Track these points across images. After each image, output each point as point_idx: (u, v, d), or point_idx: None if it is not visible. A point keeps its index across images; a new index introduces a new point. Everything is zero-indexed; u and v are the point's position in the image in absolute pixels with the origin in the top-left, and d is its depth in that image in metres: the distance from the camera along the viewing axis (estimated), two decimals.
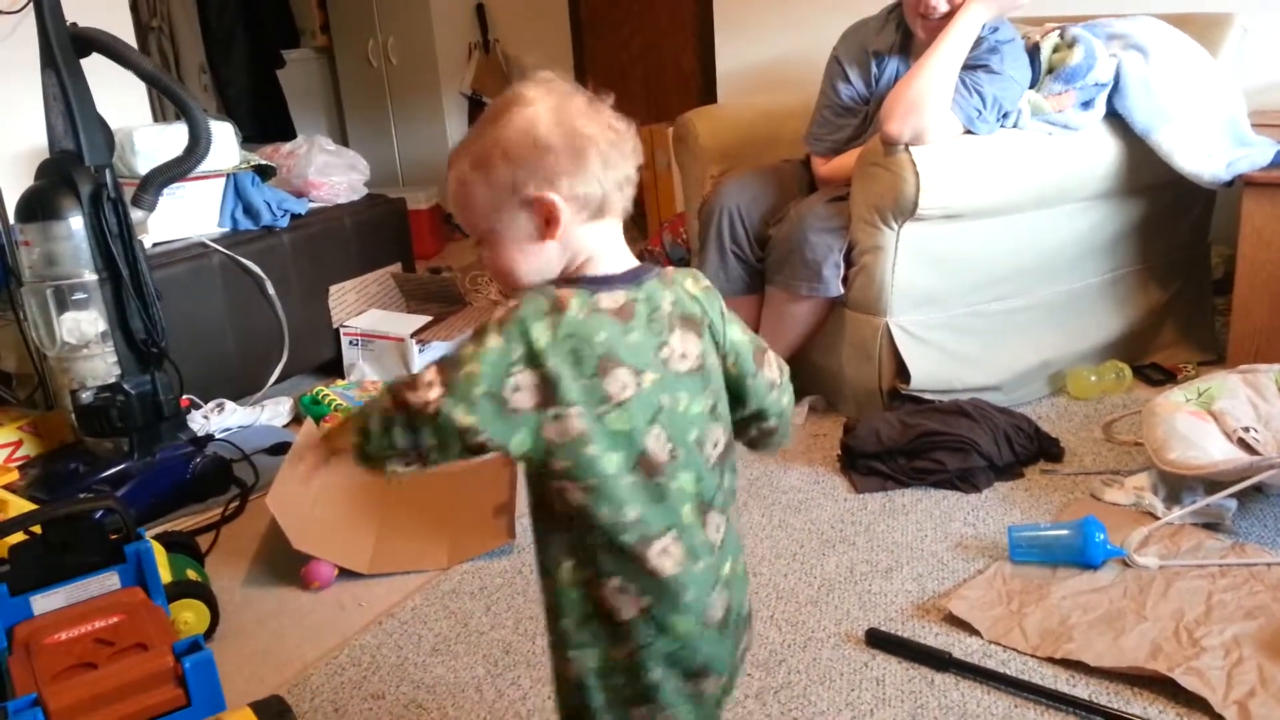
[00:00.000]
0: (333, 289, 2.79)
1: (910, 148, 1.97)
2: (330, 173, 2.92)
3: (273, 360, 2.63)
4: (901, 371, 2.11)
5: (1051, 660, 1.41)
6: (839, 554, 1.74)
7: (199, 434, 2.25)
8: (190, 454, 2.13)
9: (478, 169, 0.85)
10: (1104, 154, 2.17)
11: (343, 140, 5.01)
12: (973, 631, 1.49)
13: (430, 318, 2.83)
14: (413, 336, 2.72)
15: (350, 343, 2.79)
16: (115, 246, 2.02)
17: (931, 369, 2.11)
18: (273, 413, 2.53)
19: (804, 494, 1.96)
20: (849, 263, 2.12)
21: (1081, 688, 1.35)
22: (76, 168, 2.00)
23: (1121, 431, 2.07)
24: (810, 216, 2.12)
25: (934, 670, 1.41)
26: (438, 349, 2.80)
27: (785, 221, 2.18)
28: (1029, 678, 1.37)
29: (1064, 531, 1.62)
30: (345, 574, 1.79)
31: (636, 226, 4.37)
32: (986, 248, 2.13)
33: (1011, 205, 2.11)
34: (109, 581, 1.37)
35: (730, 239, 2.25)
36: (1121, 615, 1.47)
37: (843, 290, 2.13)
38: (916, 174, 1.96)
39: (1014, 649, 1.44)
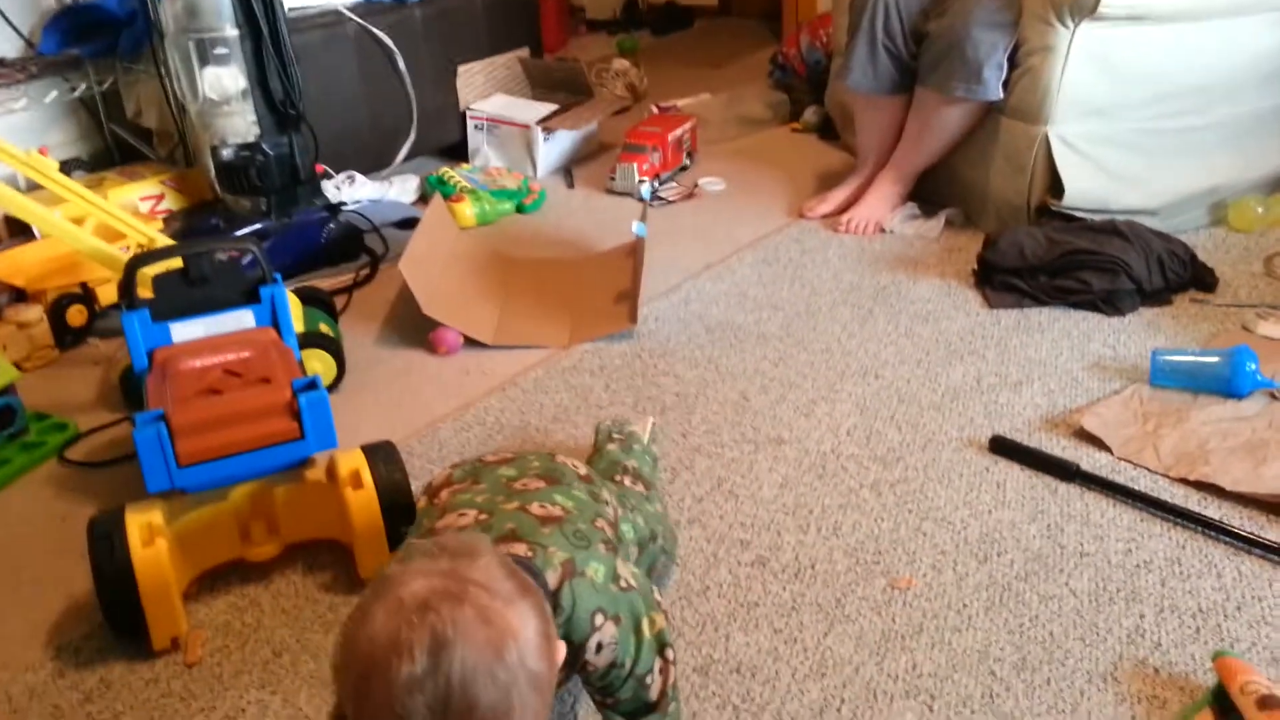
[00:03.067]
0: (461, 69, 2.75)
1: None
2: None
3: (401, 137, 2.63)
4: (1054, 186, 1.99)
5: (1184, 482, 1.37)
6: (966, 365, 1.70)
7: (332, 202, 2.29)
8: (324, 219, 2.18)
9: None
10: None
11: None
12: (1103, 448, 1.45)
13: (556, 106, 2.78)
14: (539, 124, 2.68)
15: (476, 126, 2.76)
16: (255, 2, 2.01)
17: (1087, 186, 1.98)
18: (400, 189, 2.55)
19: (934, 305, 1.91)
20: (1013, 64, 1.97)
21: (1213, 510, 1.32)
22: None
23: None
24: (977, 10, 1.96)
25: (1059, 480, 1.39)
26: (563, 139, 2.76)
27: (948, 14, 2.02)
28: (1159, 496, 1.34)
29: (1213, 359, 1.55)
30: (469, 344, 1.83)
31: (769, 29, 4.16)
32: (1170, 56, 1.95)
33: (1204, 9, 1.92)
34: (244, 319, 1.41)
35: (884, 31, 2.10)
36: (1264, 445, 1.41)
37: (1002, 94, 1.99)
38: None
39: (1145, 467, 1.40)
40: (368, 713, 0.66)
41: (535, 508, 0.95)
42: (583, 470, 1.10)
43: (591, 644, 0.85)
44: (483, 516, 0.94)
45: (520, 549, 0.87)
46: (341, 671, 0.69)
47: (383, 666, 0.65)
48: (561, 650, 0.77)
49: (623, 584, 0.90)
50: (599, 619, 0.86)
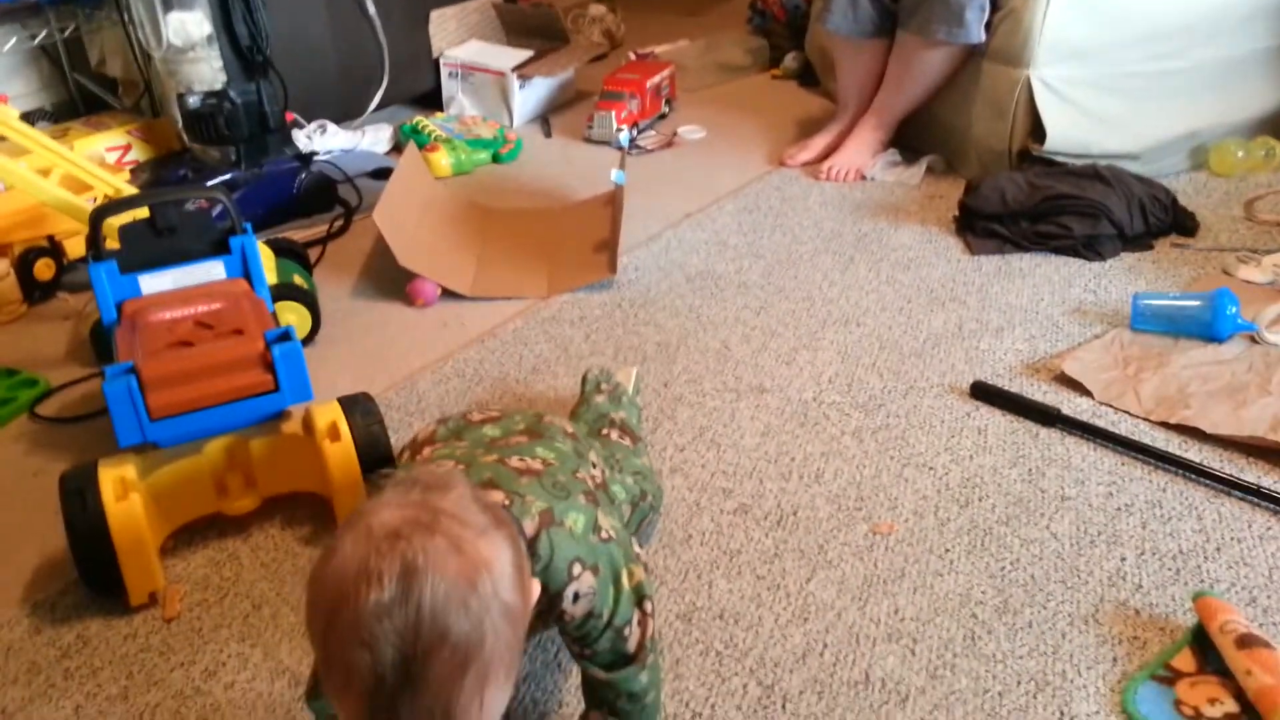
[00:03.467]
0: (434, 14, 2.68)
1: None
2: None
3: (373, 86, 2.58)
4: (1035, 131, 1.97)
5: (1165, 425, 1.37)
6: (948, 311, 1.69)
7: (303, 152, 2.24)
8: (296, 169, 2.13)
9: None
10: None
11: None
12: (1084, 393, 1.45)
13: (532, 52, 2.72)
14: (514, 71, 2.63)
15: (450, 74, 2.71)
16: None
17: (1069, 130, 1.96)
18: (374, 139, 2.50)
19: (915, 252, 1.90)
20: (994, 6, 1.94)
21: (1194, 453, 1.32)
22: None
23: (1263, 210, 1.93)
24: None
25: (1040, 425, 1.39)
26: (539, 86, 2.71)
27: None
28: (1139, 440, 1.34)
29: (1194, 302, 1.55)
30: (446, 295, 1.81)
31: None
32: None
33: None
34: (214, 270, 1.38)
35: None
36: (1244, 388, 1.41)
37: (984, 37, 1.96)
38: None
39: (1126, 411, 1.41)
40: (334, 645, 0.62)
41: (514, 461, 0.94)
42: (569, 429, 1.09)
43: (568, 593, 0.84)
44: (459, 468, 0.92)
45: (498, 496, 0.85)
46: (310, 609, 0.66)
47: (351, 595, 0.61)
48: (536, 587, 0.76)
49: (603, 535, 0.89)
50: (577, 568, 0.85)
